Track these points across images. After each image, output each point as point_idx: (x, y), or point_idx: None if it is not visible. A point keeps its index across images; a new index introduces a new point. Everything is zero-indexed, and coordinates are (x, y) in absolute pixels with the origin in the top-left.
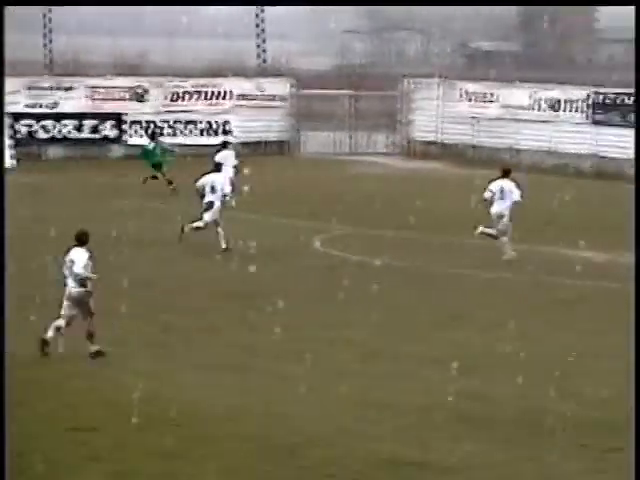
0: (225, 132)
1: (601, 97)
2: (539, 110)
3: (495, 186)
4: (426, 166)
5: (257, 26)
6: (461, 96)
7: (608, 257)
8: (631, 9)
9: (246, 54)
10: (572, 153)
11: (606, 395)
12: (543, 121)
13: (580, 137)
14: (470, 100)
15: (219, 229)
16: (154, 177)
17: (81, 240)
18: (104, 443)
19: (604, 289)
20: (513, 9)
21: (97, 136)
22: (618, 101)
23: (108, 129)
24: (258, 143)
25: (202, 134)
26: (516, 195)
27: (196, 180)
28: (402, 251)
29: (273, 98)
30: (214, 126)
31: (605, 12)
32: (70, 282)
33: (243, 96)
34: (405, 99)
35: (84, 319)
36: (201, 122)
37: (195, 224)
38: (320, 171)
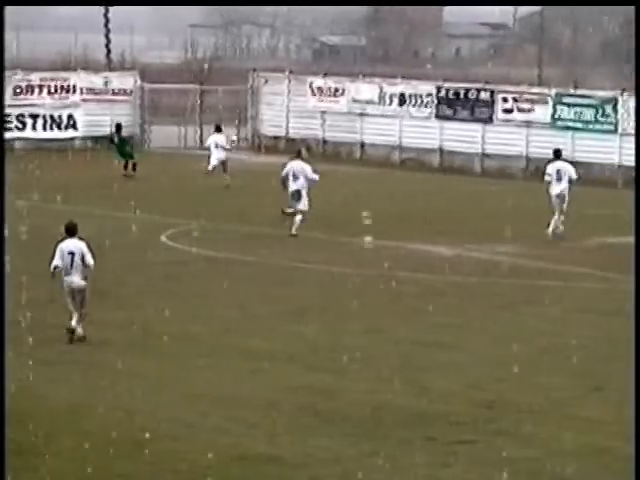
0: (71, 126)
1: (447, 92)
2: (386, 105)
3: (552, 168)
4: (274, 161)
5: (105, 20)
6: (309, 91)
7: (457, 251)
8: (474, 7)
9: (94, 48)
10: (419, 148)
11: (455, 388)
12: (390, 116)
13: (427, 132)
14: (318, 95)
15: None
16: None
17: (72, 231)
18: None
19: (454, 283)
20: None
21: None
22: (464, 96)
23: None
24: (104, 138)
25: (47, 128)
26: (572, 173)
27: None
28: (250, 245)
29: (120, 92)
30: (59, 120)
31: (450, 8)
32: (75, 275)
33: (90, 90)
34: (253, 94)
35: (76, 310)
36: (46, 116)
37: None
38: (166, 165)
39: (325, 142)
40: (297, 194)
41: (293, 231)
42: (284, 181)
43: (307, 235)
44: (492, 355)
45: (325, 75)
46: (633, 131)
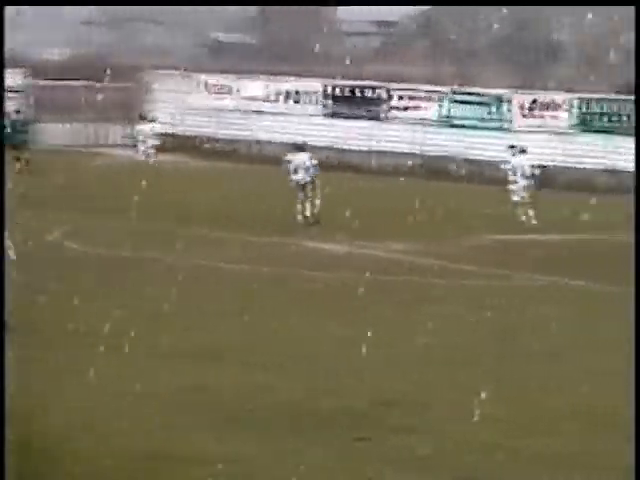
0: None
1: (337, 89)
2: (276, 102)
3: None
4: (165, 158)
5: None
6: (200, 88)
7: (350, 249)
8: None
9: None
10: (310, 145)
11: (352, 383)
12: (280, 113)
13: (316, 129)
14: (209, 92)
15: None
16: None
17: None
18: None
19: (347, 281)
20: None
21: None
22: (355, 93)
23: None
24: None
25: None
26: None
27: None
28: (138, 242)
29: (8, 89)
30: None
31: (342, 6)
32: None
33: None
34: (145, 91)
35: None
36: None
37: None
38: (56, 163)
39: (217, 140)
40: None
41: None
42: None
43: (201, 233)
44: (391, 352)
45: (216, 72)
46: (526, 129)
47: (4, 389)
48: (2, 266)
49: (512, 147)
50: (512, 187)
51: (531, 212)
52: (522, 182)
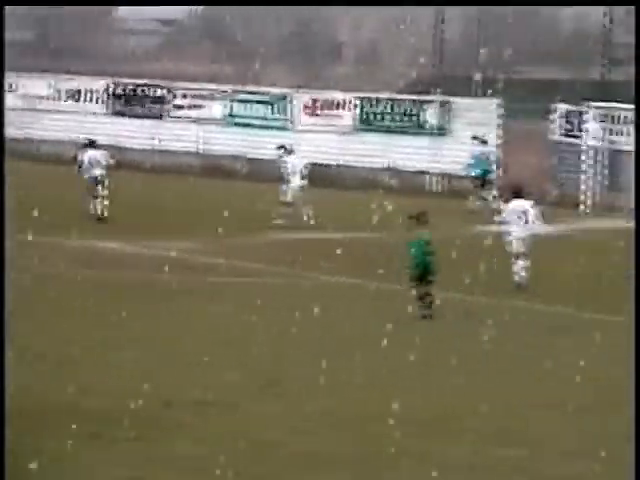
0: None
1: (121, 88)
2: (59, 100)
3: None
4: None
5: None
6: None
7: (135, 248)
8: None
9: None
10: (100, 144)
11: (127, 385)
12: (64, 111)
13: (101, 127)
14: None
15: None
16: None
17: None
18: None
19: (133, 279)
20: None
21: None
22: (137, 92)
23: None
24: None
25: None
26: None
27: None
28: None
29: None
30: None
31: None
32: None
33: None
34: None
35: None
36: None
37: None
38: None
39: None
40: None
41: None
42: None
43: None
44: (167, 351)
45: None
46: (310, 128)
47: (4, 389)
48: (2, 267)
49: (281, 147)
50: (291, 186)
51: (309, 211)
52: (298, 182)
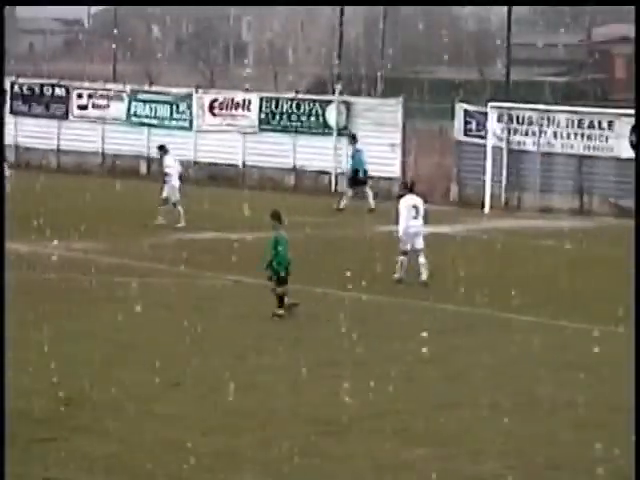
0: None
1: (21, 87)
2: None
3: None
4: None
5: None
6: None
7: (33, 248)
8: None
9: None
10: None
11: (35, 385)
12: None
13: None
14: None
15: None
16: None
17: None
18: None
19: (31, 280)
20: None
21: None
22: (39, 91)
23: None
24: None
25: None
26: None
27: None
28: None
29: None
30: None
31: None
32: None
33: None
34: None
35: None
36: None
37: None
38: None
39: None
40: None
41: None
42: None
43: None
44: (72, 351)
45: None
46: (213, 127)
47: (4, 389)
48: (2, 266)
49: (161, 148)
50: (173, 184)
51: (181, 210)
52: (176, 182)
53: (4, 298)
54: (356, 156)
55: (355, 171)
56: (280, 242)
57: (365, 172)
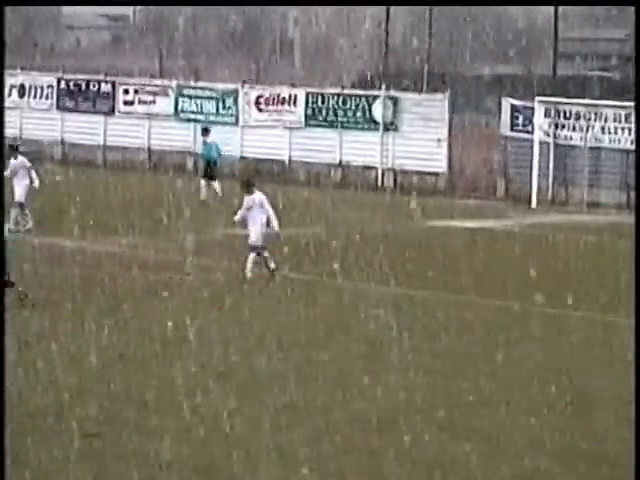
0: None
1: (68, 83)
2: (8, 97)
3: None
4: None
5: None
6: None
7: (79, 244)
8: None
9: None
10: (41, 140)
11: (87, 384)
12: (10, 107)
13: (48, 123)
14: None
15: None
16: None
17: None
18: None
19: (80, 276)
20: None
21: None
22: (85, 87)
23: None
24: None
25: None
26: None
27: None
28: None
29: None
30: None
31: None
32: None
33: None
34: None
35: None
36: None
37: None
38: None
39: None
40: None
41: None
42: None
43: None
44: (123, 348)
45: None
46: (260, 123)
47: (4, 389)
48: (2, 266)
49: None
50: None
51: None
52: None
53: (4, 296)
54: (206, 148)
55: (208, 162)
56: None
57: (216, 163)
